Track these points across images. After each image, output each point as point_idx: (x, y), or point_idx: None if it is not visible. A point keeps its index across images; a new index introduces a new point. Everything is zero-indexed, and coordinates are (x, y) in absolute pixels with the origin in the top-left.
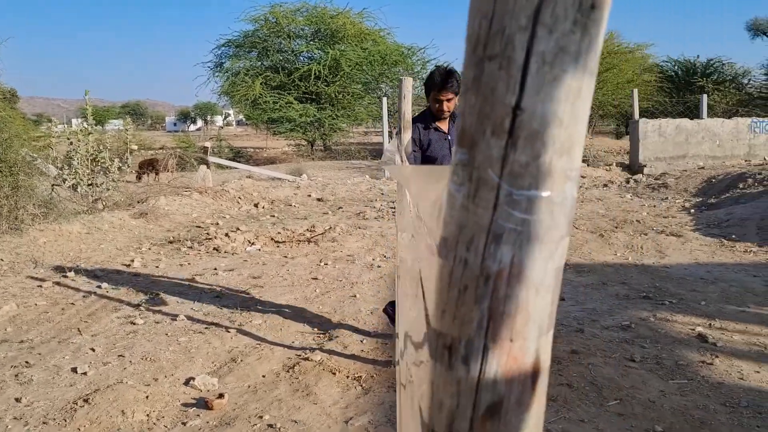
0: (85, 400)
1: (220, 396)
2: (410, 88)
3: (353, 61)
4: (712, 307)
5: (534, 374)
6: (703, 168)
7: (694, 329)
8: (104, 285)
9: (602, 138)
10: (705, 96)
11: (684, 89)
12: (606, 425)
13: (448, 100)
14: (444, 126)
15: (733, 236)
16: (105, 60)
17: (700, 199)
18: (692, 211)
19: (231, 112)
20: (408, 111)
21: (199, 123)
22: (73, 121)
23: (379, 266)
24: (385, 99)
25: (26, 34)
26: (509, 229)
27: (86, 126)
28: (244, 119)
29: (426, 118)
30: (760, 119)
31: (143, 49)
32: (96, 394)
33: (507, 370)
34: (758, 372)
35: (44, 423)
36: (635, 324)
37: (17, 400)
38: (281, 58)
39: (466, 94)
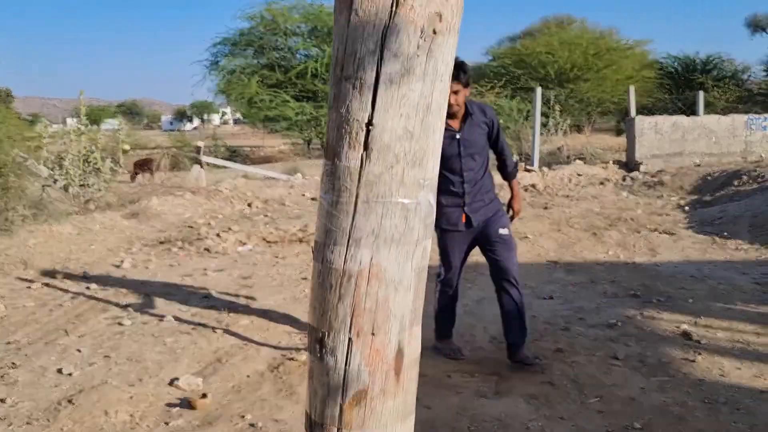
0: (69, 401)
1: (204, 396)
2: None
3: None
4: (699, 304)
5: (397, 365)
6: (699, 165)
7: (679, 327)
8: (93, 286)
9: (602, 135)
10: (701, 93)
11: (684, 86)
12: (585, 422)
13: (455, 93)
14: (455, 124)
15: (725, 234)
16: (101, 59)
17: (696, 196)
18: (686, 208)
19: (228, 110)
20: None
21: (196, 122)
22: (68, 120)
23: None
24: None
25: (21, 33)
26: (367, 233)
27: (79, 126)
28: (241, 118)
29: None
30: (757, 116)
31: (139, 48)
32: (80, 395)
33: (370, 362)
34: (739, 369)
35: (28, 423)
36: (621, 322)
37: (2, 400)
38: (277, 56)
39: (329, 111)
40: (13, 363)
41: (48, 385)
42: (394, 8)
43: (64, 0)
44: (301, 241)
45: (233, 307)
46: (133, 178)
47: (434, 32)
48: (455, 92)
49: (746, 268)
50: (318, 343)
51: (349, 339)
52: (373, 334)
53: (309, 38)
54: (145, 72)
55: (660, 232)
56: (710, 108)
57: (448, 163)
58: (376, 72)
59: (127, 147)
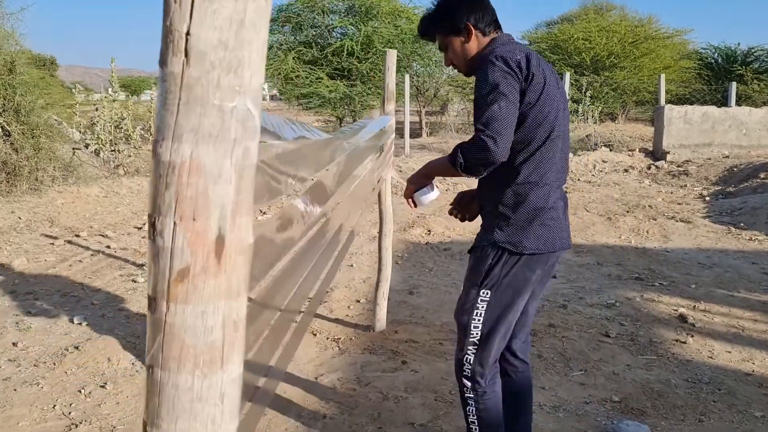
0: (76, 347)
1: None
2: (394, 61)
3: (385, 39)
4: (702, 290)
5: (218, 249)
6: (727, 157)
7: (676, 310)
8: (113, 245)
9: (636, 125)
10: (734, 84)
11: (724, 77)
12: (565, 393)
13: (442, 50)
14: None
15: (742, 224)
16: (145, 30)
17: (720, 187)
18: (707, 198)
19: (265, 86)
20: (391, 83)
21: None
22: (110, 89)
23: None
24: (407, 76)
25: (67, 2)
26: (188, 130)
27: (110, 93)
28: (277, 94)
29: None
30: None
31: None
32: (87, 343)
33: (191, 243)
34: (729, 352)
35: (35, 365)
36: (620, 303)
37: (14, 344)
38: (314, 33)
39: (162, 25)
40: (29, 312)
41: (59, 332)
42: None
43: None
44: None
45: None
46: None
47: None
48: (441, 48)
49: (757, 259)
50: (152, 227)
51: (174, 222)
52: (194, 219)
53: (346, 16)
54: None
55: (676, 221)
56: (750, 101)
57: None
58: None
59: None
